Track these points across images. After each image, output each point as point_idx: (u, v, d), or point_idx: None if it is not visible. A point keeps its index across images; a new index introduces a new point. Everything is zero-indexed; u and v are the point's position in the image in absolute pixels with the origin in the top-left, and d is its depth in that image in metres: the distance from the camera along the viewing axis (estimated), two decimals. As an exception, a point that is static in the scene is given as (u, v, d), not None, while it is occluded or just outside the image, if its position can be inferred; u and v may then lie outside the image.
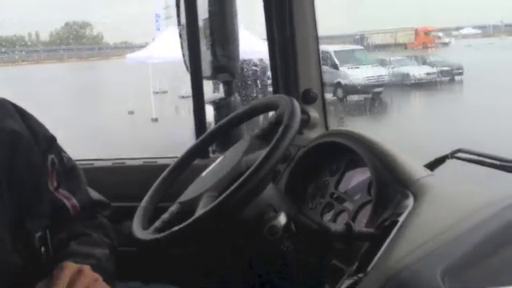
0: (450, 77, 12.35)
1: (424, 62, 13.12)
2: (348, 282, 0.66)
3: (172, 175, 1.15)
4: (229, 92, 1.58)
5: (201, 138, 1.22)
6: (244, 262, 1.25)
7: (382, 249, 0.67)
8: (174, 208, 1.01)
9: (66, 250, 0.96)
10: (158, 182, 1.13)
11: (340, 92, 11.25)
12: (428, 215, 0.72)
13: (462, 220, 0.64)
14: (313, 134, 1.39)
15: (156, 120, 11.51)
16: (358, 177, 1.12)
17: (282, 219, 0.93)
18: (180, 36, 1.54)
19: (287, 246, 0.95)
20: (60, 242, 0.97)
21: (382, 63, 12.54)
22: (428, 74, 12.04)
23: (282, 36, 1.42)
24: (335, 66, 11.53)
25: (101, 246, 1.01)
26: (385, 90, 11.44)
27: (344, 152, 1.14)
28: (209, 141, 1.26)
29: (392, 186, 0.92)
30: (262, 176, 0.86)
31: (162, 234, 0.90)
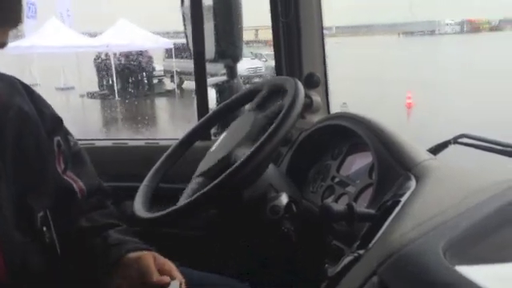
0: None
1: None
2: (348, 259, 0.66)
3: (173, 156, 1.15)
4: (231, 75, 1.58)
5: (202, 120, 1.22)
6: (245, 242, 1.25)
7: (384, 227, 0.66)
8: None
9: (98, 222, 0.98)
10: (159, 162, 1.13)
11: (226, 82, 12.71)
12: (431, 195, 0.72)
13: (465, 198, 0.64)
14: (315, 119, 1.38)
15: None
16: (360, 161, 1.12)
17: (284, 199, 0.93)
18: (183, 18, 1.53)
19: (288, 227, 0.96)
20: (67, 222, 0.97)
21: (257, 56, 13.73)
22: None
23: (286, 17, 1.41)
24: (219, 59, 12.58)
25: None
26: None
27: (346, 136, 1.14)
28: (210, 123, 1.26)
29: (394, 169, 0.92)
30: (260, 159, 0.86)
31: (163, 212, 0.90)
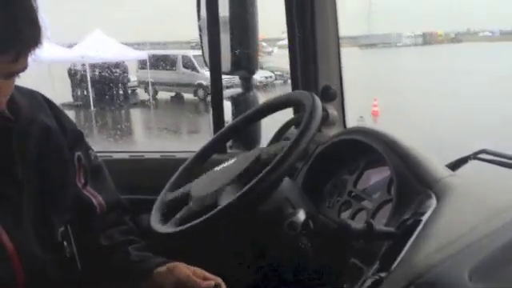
0: (283, 80, 14.22)
1: (261, 67, 14.87)
2: (369, 281, 0.65)
3: (189, 169, 1.15)
4: (247, 87, 1.58)
5: (218, 133, 1.22)
6: (261, 258, 1.24)
7: (406, 248, 0.65)
8: (191, 204, 1.00)
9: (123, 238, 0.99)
10: (175, 175, 1.13)
11: (201, 92, 13.09)
12: (453, 215, 0.70)
13: (489, 219, 0.62)
14: (331, 132, 1.37)
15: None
16: (377, 176, 1.10)
17: (301, 215, 0.92)
18: (200, 30, 1.54)
19: (305, 243, 0.94)
20: (87, 237, 0.97)
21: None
22: (266, 77, 13.77)
23: (303, 31, 1.41)
24: (195, 69, 13.09)
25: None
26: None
27: (363, 150, 1.12)
28: (226, 136, 1.25)
29: (413, 186, 0.91)
30: (286, 167, 0.86)
31: (183, 227, 0.90)
